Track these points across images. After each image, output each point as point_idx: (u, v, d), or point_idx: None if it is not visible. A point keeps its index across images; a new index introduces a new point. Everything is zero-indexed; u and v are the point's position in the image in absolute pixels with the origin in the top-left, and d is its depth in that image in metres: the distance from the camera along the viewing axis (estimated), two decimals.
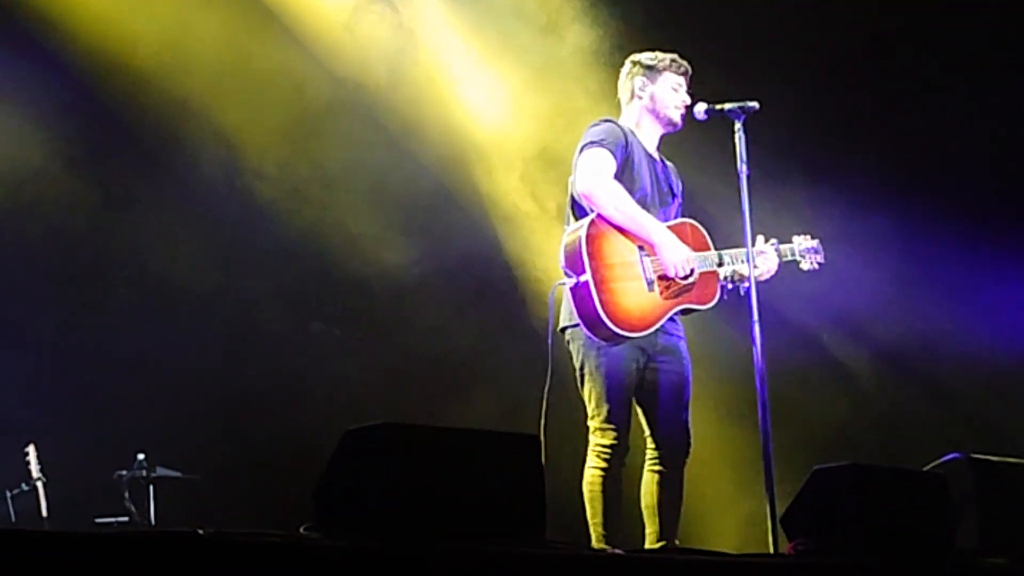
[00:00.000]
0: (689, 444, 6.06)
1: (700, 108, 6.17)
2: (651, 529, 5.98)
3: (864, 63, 9.18)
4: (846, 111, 9.14)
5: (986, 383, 8.97)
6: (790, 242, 6.41)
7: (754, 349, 5.82)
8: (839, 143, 9.10)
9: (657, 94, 6.21)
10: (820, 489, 5.17)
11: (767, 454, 5.72)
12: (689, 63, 6.29)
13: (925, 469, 5.73)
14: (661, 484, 5.98)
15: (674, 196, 6.23)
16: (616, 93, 6.43)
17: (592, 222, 5.86)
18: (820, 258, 6.47)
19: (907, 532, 5.18)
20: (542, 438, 5.60)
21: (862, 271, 8.86)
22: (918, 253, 8.93)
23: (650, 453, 6.03)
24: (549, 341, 5.93)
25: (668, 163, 6.32)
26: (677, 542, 6.03)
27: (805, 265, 6.44)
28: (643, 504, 6.01)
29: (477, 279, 9.28)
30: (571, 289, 5.83)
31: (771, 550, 5.55)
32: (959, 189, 9.02)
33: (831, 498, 5.12)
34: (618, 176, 5.95)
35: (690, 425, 6.06)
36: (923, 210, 8.84)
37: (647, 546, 5.94)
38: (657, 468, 6.00)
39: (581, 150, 6.00)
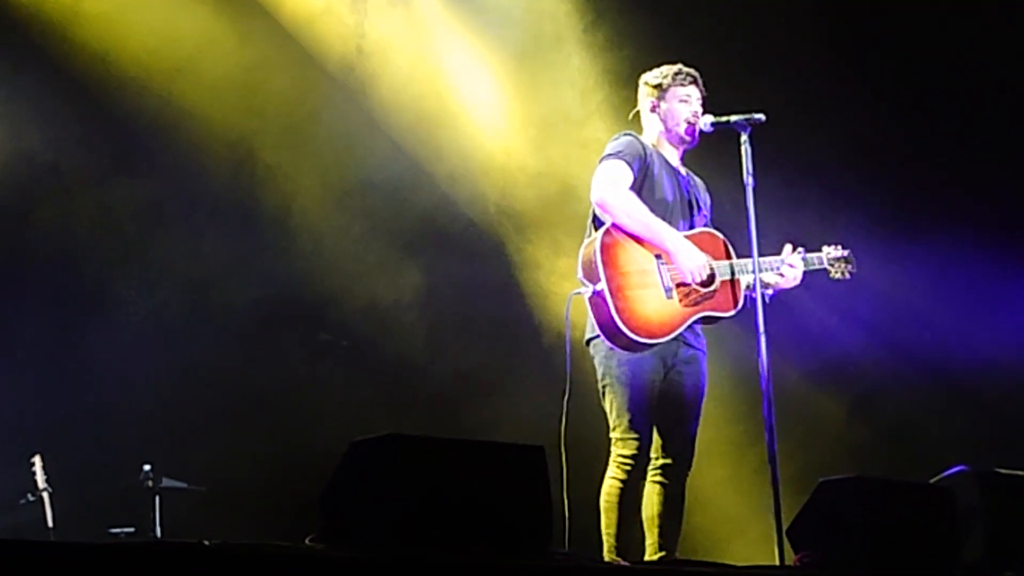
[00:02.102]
0: (693, 457, 6.08)
1: (706, 120, 6.20)
2: (651, 540, 5.99)
3: (871, 72, 9.17)
4: (856, 120, 9.13)
5: (996, 392, 8.96)
6: (820, 251, 6.43)
7: (760, 361, 5.83)
8: (850, 153, 9.10)
9: (666, 111, 6.24)
10: (826, 501, 5.17)
11: (773, 464, 5.72)
12: (694, 69, 6.32)
13: (931, 482, 5.73)
14: (663, 495, 5.99)
15: (699, 209, 6.24)
16: (624, 108, 6.48)
17: (607, 231, 5.89)
18: (851, 268, 6.48)
19: (913, 544, 5.18)
20: (562, 447, 5.64)
21: (874, 279, 8.84)
22: (931, 261, 8.92)
23: (653, 463, 6.02)
24: (567, 349, 5.95)
25: (696, 177, 6.35)
26: (677, 553, 6.03)
27: (835, 275, 6.45)
28: (644, 515, 6.01)
29: (489, 290, 9.27)
30: (589, 299, 5.86)
31: (777, 562, 5.55)
32: (974, 195, 9.01)
33: (837, 510, 5.13)
34: (637, 188, 5.97)
35: (696, 439, 6.08)
36: (935, 217, 8.84)
37: (647, 557, 5.95)
38: (660, 479, 6.00)
39: (600, 163, 6.05)
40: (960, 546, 5.37)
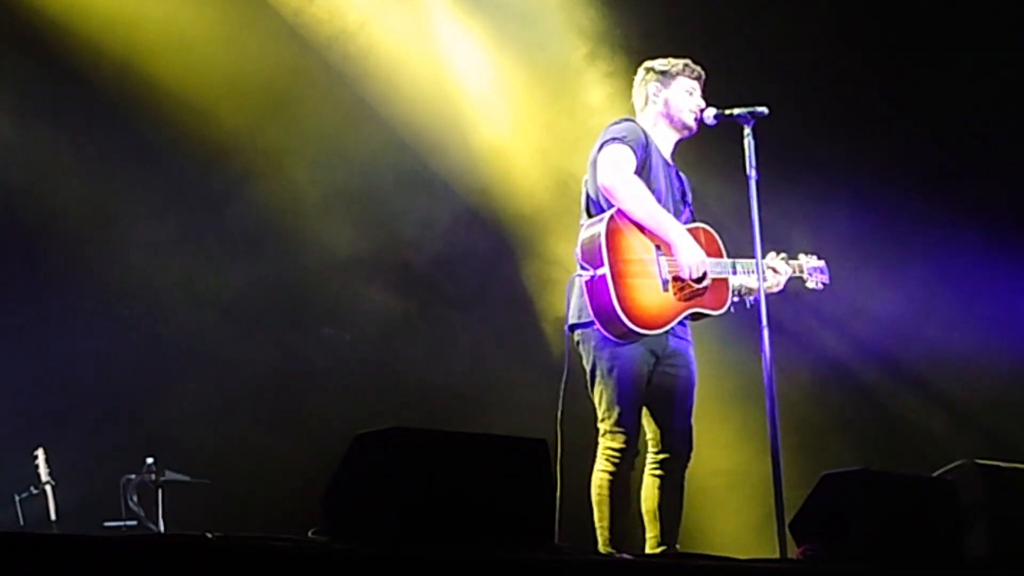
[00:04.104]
0: (691, 449, 6.08)
1: (709, 113, 6.19)
2: (652, 533, 6.00)
3: (876, 67, 9.16)
4: (857, 117, 9.12)
5: (997, 391, 8.95)
6: (797, 259, 6.43)
7: (763, 355, 5.84)
8: (850, 149, 9.09)
9: (671, 99, 6.23)
10: (829, 494, 5.16)
11: (776, 457, 5.72)
12: (702, 68, 6.31)
13: (934, 475, 5.72)
14: (662, 488, 6.00)
15: (686, 204, 6.24)
16: (625, 97, 6.46)
17: (612, 217, 5.88)
18: (826, 279, 6.52)
19: (916, 538, 5.17)
20: (559, 433, 5.64)
21: (872, 278, 8.85)
22: (929, 260, 8.92)
23: (651, 457, 6.03)
24: (566, 333, 5.95)
25: (682, 173, 6.34)
26: (678, 546, 6.04)
27: (810, 284, 6.49)
28: (644, 508, 6.02)
29: (489, 281, 9.28)
30: (587, 283, 5.83)
31: (779, 555, 5.55)
32: (972, 196, 9.00)
33: (840, 503, 5.12)
34: (636, 175, 5.95)
35: (692, 431, 6.08)
36: (935, 217, 8.84)
37: (648, 550, 5.95)
38: (658, 472, 6.01)
39: (601, 146, 6.02)
40: (963, 540, 5.37)
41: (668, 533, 5.98)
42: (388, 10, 9.04)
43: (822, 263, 6.53)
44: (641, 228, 5.90)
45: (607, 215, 5.88)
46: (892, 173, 9.09)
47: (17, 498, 8.15)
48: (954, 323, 9.02)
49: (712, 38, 8.51)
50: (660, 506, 5.98)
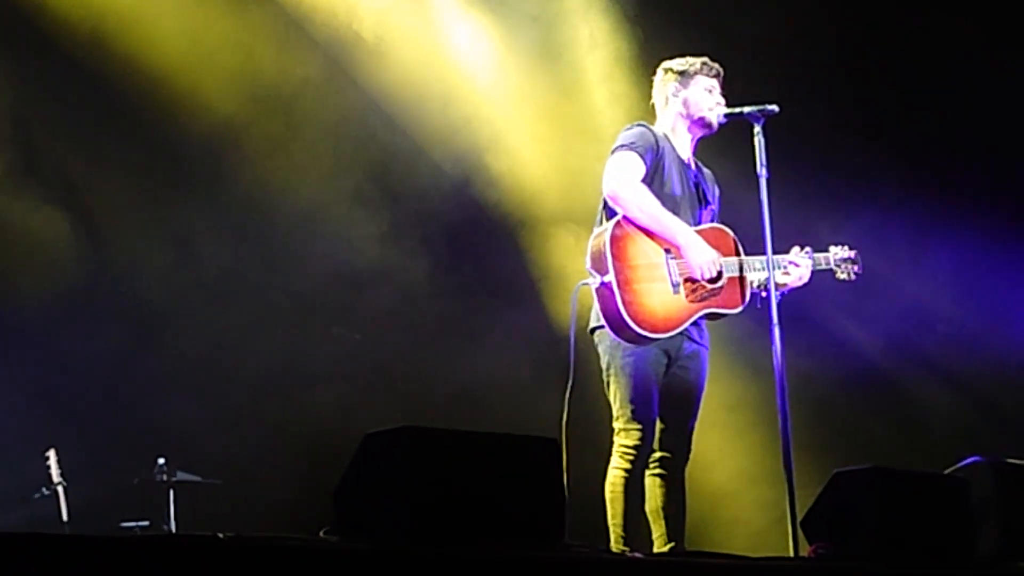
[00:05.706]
0: (690, 451, 6.12)
1: (720, 112, 6.20)
2: (658, 532, 6.04)
3: (889, 61, 9.15)
4: (870, 113, 9.12)
5: (1010, 384, 8.94)
6: (826, 251, 6.42)
7: (773, 352, 5.84)
8: (863, 147, 9.09)
9: (690, 98, 6.25)
10: (841, 492, 5.16)
11: (787, 456, 5.73)
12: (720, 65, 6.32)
13: (946, 472, 5.72)
14: (664, 488, 6.03)
15: (707, 202, 6.25)
16: (638, 99, 6.48)
17: (618, 223, 5.91)
18: (857, 268, 6.49)
19: (928, 536, 5.17)
20: (563, 437, 5.65)
21: (886, 274, 8.83)
22: (943, 255, 8.90)
23: (651, 456, 6.04)
24: (571, 340, 5.96)
25: (705, 169, 6.35)
26: (685, 544, 6.05)
27: (841, 275, 6.47)
28: (648, 508, 6.04)
29: (497, 281, 9.28)
30: (596, 290, 5.88)
31: (791, 553, 5.55)
32: (986, 190, 8.99)
33: (852, 501, 5.12)
34: (648, 180, 5.98)
35: (693, 433, 6.11)
36: (948, 212, 8.82)
37: (655, 549, 5.98)
38: (659, 472, 6.04)
39: (612, 153, 6.04)
40: (975, 537, 5.37)
41: (674, 531, 6.01)
42: (400, 10, 9.03)
43: (852, 253, 6.49)
44: (649, 233, 5.92)
45: (612, 222, 5.93)
46: (905, 171, 9.08)
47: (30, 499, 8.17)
48: (968, 319, 9.00)
49: (722, 33, 8.51)
50: (664, 505, 6.02)
